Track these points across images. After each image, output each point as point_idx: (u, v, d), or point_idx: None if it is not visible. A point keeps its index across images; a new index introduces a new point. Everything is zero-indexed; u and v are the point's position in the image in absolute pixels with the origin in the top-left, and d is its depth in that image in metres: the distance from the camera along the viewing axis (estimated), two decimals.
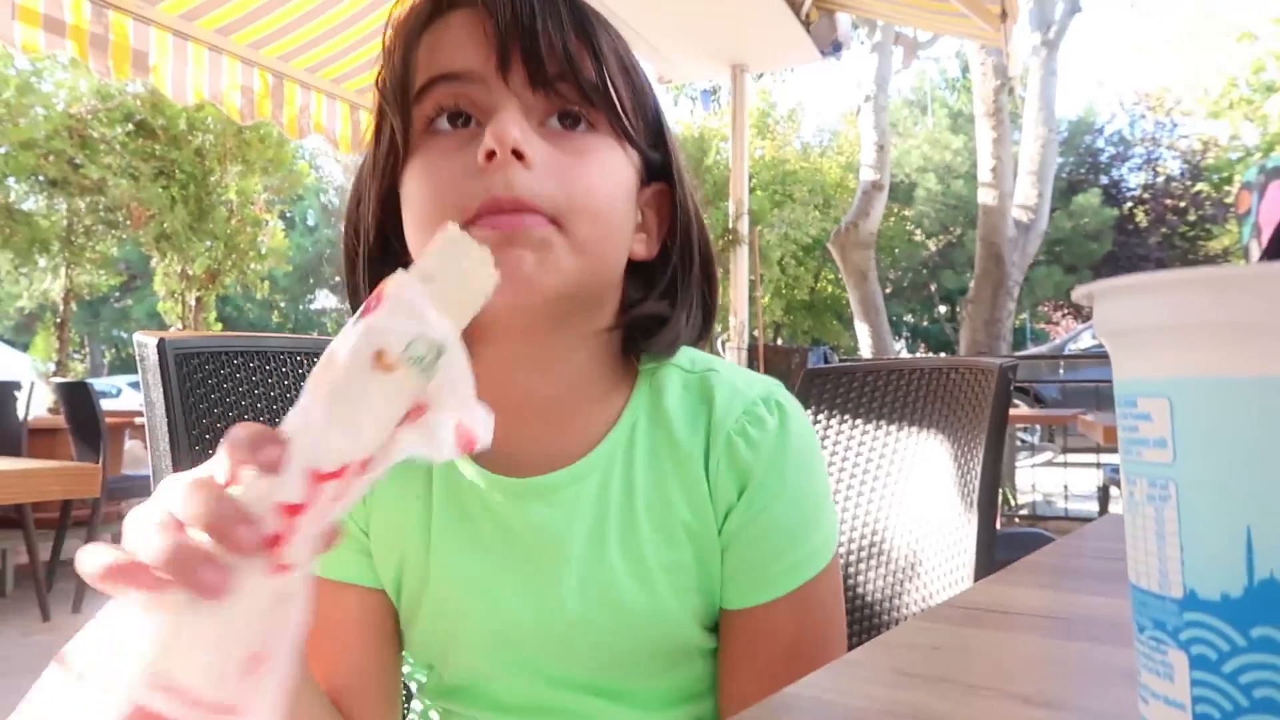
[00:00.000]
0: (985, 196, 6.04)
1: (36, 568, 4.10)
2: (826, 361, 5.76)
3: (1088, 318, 17.38)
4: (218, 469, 0.36)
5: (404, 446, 0.37)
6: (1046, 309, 19.81)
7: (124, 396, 17.48)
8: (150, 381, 0.73)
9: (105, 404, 4.72)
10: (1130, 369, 0.25)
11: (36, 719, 0.38)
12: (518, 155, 0.54)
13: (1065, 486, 5.99)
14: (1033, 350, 10.45)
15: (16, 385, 4.38)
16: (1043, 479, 6.81)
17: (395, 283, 0.38)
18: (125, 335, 23.38)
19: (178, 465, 0.73)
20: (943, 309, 19.77)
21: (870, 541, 1.52)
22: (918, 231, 18.23)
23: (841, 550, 1.53)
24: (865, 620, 1.49)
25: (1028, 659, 0.39)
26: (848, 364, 1.64)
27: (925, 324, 21.34)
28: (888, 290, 18.48)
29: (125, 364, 24.18)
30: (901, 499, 1.47)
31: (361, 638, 0.65)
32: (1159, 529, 0.24)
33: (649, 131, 0.63)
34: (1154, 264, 17.64)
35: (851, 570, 1.52)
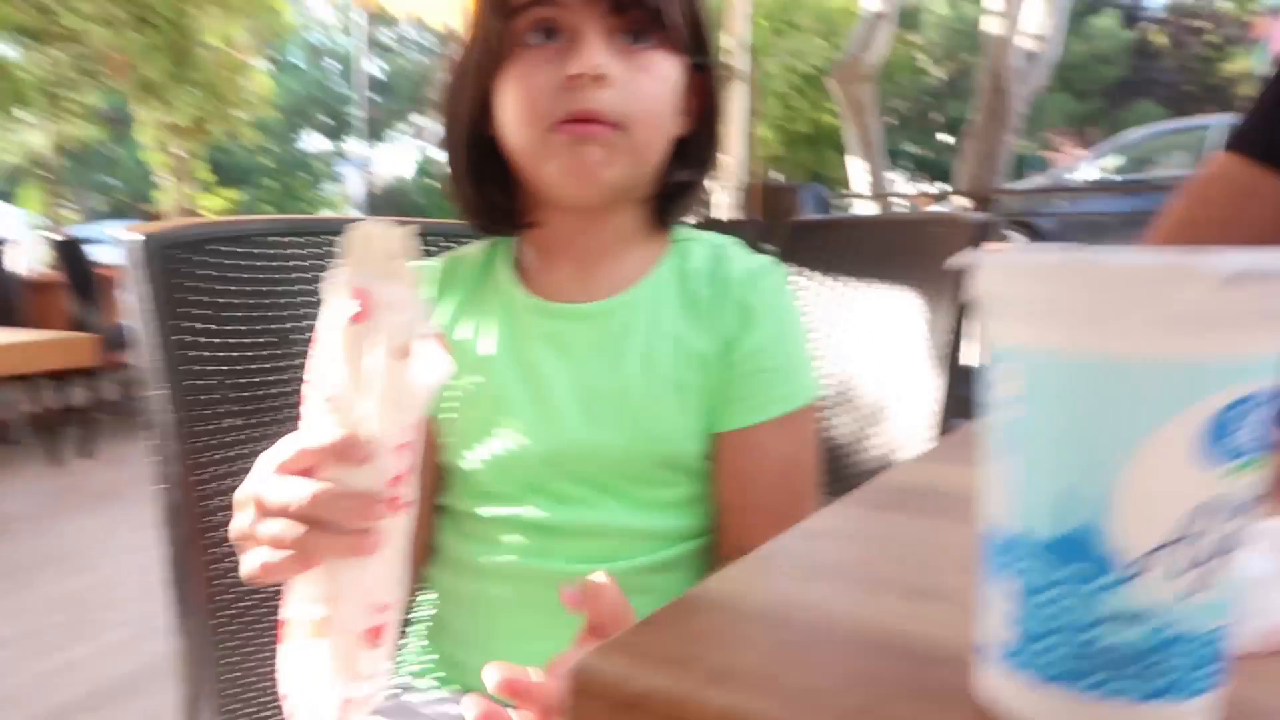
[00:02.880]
0: (991, 24, 5.80)
1: (48, 416, 4.23)
2: (819, 200, 5.70)
3: (1094, 149, 17.01)
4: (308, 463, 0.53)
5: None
6: (1055, 137, 19.36)
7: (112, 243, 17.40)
8: (138, 277, 0.76)
9: (100, 252, 4.72)
10: (996, 331, 0.28)
11: (297, 670, 0.54)
12: (598, 79, 0.69)
13: None
14: (1028, 183, 10.28)
15: (2, 241, 4.37)
16: None
17: (376, 292, 0.50)
18: (116, 182, 23.02)
19: (169, 365, 0.76)
20: (946, 139, 19.34)
21: (839, 389, 1.58)
22: (924, 59, 17.59)
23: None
24: (834, 462, 1.57)
25: (936, 547, 0.43)
26: (832, 217, 1.66)
27: (928, 155, 20.92)
28: (889, 121, 18.01)
29: (115, 212, 23.91)
30: (869, 349, 1.52)
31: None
32: (1006, 479, 0.28)
33: (697, 36, 0.76)
34: (1166, 89, 17.10)
35: (824, 414, 1.59)
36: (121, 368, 5.52)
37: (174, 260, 0.82)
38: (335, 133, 26.06)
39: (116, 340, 4.69)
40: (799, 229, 1.64)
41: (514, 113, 0.72)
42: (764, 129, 12.65)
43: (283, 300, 0.93)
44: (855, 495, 0.51)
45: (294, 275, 0.95)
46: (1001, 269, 0.26)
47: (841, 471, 1.55)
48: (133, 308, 0.77)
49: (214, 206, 14.10)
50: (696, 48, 0.76)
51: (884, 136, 6.59)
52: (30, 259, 5.20)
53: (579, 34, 0.70)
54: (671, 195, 0.79)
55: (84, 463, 4.41)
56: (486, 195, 0.78)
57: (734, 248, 0.82)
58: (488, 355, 0.78)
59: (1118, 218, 6.85)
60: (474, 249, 0.86)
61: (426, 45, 24.60)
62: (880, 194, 6.44)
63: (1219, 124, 9.68)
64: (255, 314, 0.90)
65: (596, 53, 0.69)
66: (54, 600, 2.71)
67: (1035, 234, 8.51)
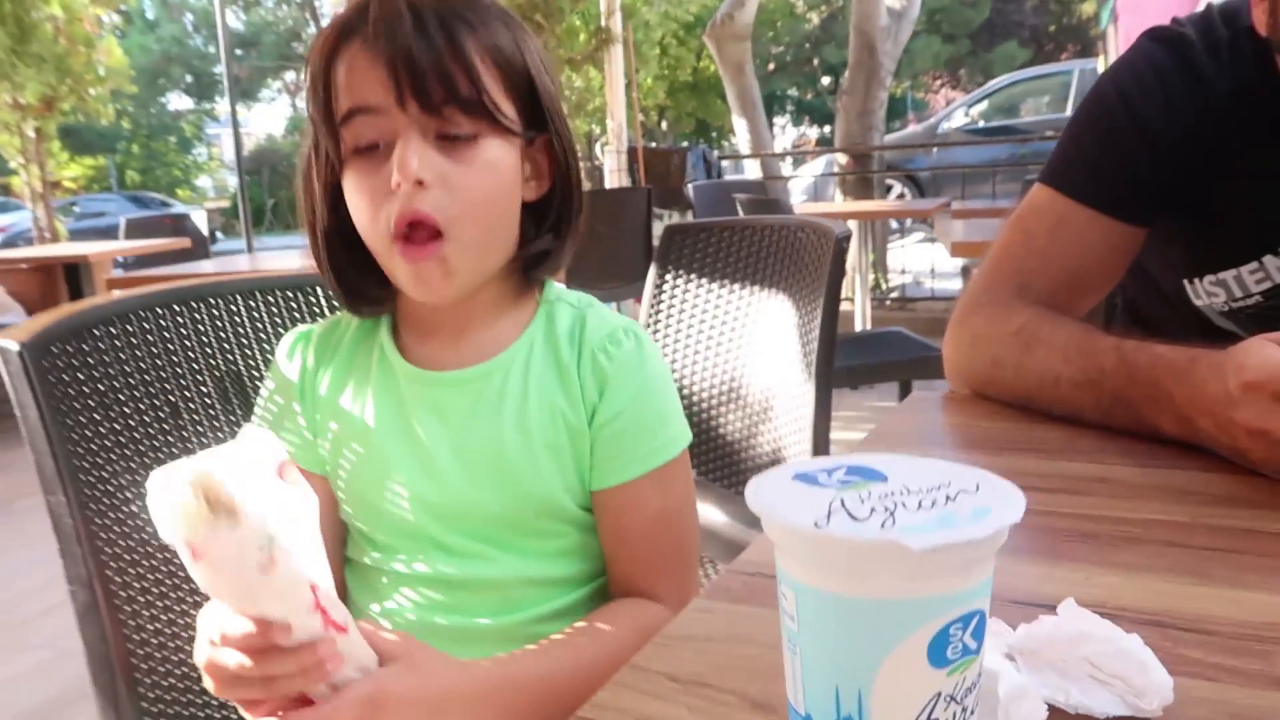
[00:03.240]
0: None
1: None
2: (706, 161, 5.79)
3: (966, 89, 17.55)
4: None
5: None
6: (926, 79, 19.87)
7: None
8: (17, 387, 0.77)
9: None
10: (780, 561, 0.35)
11: None
12: (417, 183, 0.71)
13: (932, 268, 6.35)
14: (902, 136, 10.59)
15: None
16: (913, 259, 7.16)
17: (203, 542, 0.53)
18: None
19: (58, 461, 0.78)
20: (826, 81, 19.63)
21: (729, 387, 1.67)
22: (799, 3, 17.75)
23: (704, 395, 1.68)
24: (727, 458, 1.67)
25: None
26: (704, 221, 1.72)
27: (809, 98, 21.22)
28: (770, 68, 18.16)
29: None
30: (754, 349, 1.61)
31: (325, 514, 0.81)
32: (793, 671, 0.35)
33: (528, 108, 0.78)
34: (1029, 30, 17.73)
35: (714, 413, 1.68)
36: None
37: (52, 356, 0.83)
38: (200, 92, 24.77)
39: None
40: (674, 233, 1.71)
41: (357, 219, 0.76)
42: (647, 79, 12.61)
43: (165, 372, 0.95)
44: (716, 583, 0.59)
45: (174, 344, 0.97)
46: (776, 527, 0.33)
47: (735, 467, 1.64)
48: (18, 416, 0.78)
49: (75, 174, 13.31)
50: (533, 120, 0.78)
51: (759, 94, 6.68)
52: None
53: (399, 138, 0.72)
54: (533, 261, 0.82)
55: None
56: (348, 283, 0.82)
57: (594, 310, 0.85)
58: (370, 423, 0.82)
59: (986, 166, 7.16)
60: (349, 317, 0.88)
61: None
62: (762, 153, 6.57)
63: (1081, 68, 10.17)
64: (139, 391, 0.92)
65: (412, 158, 0.71)
66: None
67: (913, 184, 8.83)
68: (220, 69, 7.13)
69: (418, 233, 0.73)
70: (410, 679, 0.66)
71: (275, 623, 0.57)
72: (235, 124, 7.08)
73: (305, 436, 0.85)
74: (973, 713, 0.35)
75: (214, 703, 0.92)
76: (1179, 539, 0.61)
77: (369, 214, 0.74)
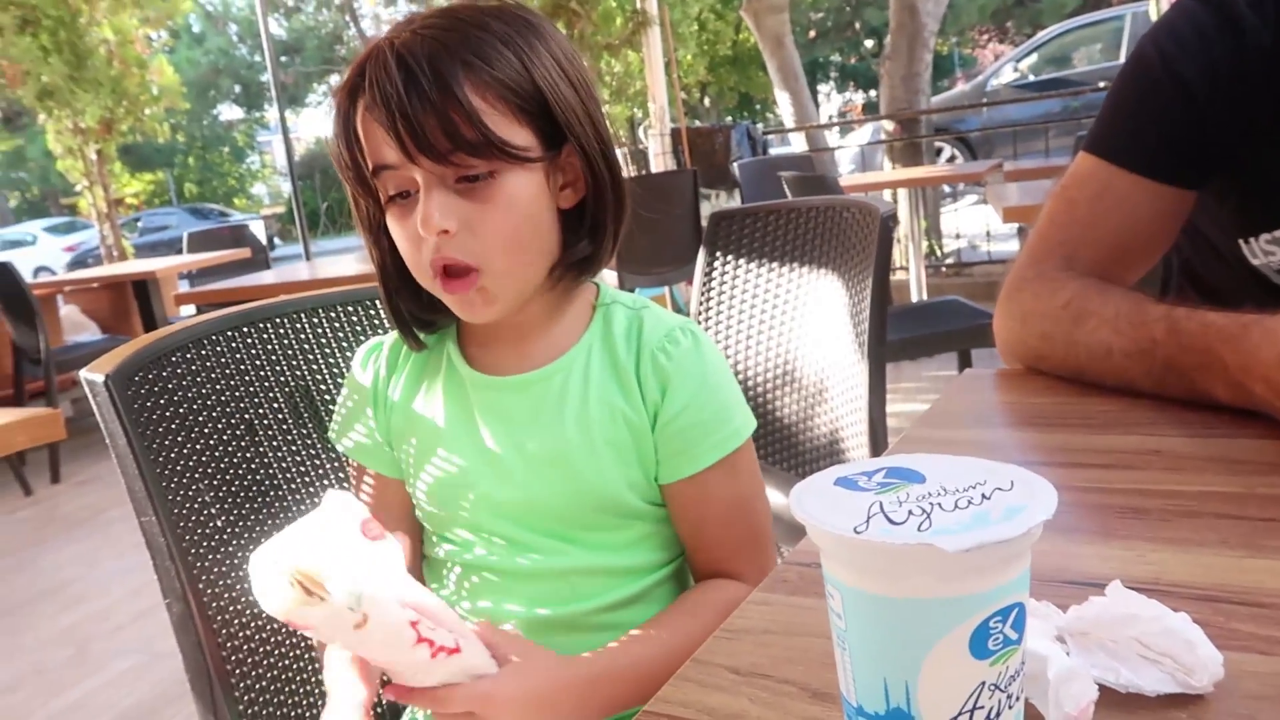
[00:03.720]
0: None
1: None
2: (750, 138, 5.76)
3: (1014, 42, 17.08)
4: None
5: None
6: (973, 34, 19.40)
7: (41, 245, 16.87)
8: (106, 416, 0.82)
9: (24, 255, 4.61)
10: (825, 563, 0.37)
11: None
12: (441, 233, 0.75)
13: (988, 230, 6.23)
14: (949, 97, 10.37)
15: None
16: (968, 222, 7.04)
17: (303, 618, 0.60)
18: (24, 175, 22.16)
19: (147, 483, 0.83)
20: (869, 44, 19.28)
21: (783, 370, 1.68)
22: None
23: (759, 379, 1.69)
24: (784, 440, 1.68)
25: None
26: (749, 206, 1.73)
27: (853, 63, 20.87)
28: (811, 35, 17.88)
29: (32, 207, 23.07)
30: (806, 331, 1.62)
31: (402, 513, 0.92)
32: (843, 665, 0.37)
33: (546, 125, 0.77)
34: None
35: (770, 397, 1.69)
36: (73, 385, 5.48)
37: (134, 384, 0.88)
38: (249, 101, 25.27)
39: (64, 360, 4.65)
40: (721, 218, 1.72)
41: (404, 257, 0.80)
42: (687, 57, 12.52)
43: (239, 391, 1.00)
44: (774, 576, 0.61)
45: (245, 364, 1.02)
46: (819, 534, 0.35)
47: (793, 449, 1.66)
48: (109, 443, 0.83)
49: (136, 190, 13.71)
50: (554, 134, 0.78)
51: (800, 65, 6.60)
52: None
53: (420, 191, 0.75)
54: (575, 267, 0.83)
55: (53, 489, 4.41)
56: (402, 315, 0.86)
57: (650, 311, 0.87)
58: (440, 425, 0.87)
59: (1038, 122, 6.98)
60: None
61: (326, 1, 23.78)
62: (806, 125, 6.50)
63: (1134, 12, 9.83)
64: (216, 411, 0.97)
65: (433, 212, 0.74)
66: (55, 637, 2.77)
67: (964, 145, 8.66)
68: (267, 77, 7.26)
69: (453, 270, 0.77)
70: (519, 677, 0.72)
71: (402, 682, 0.68)
72: (285, 130, 7.22)
73: (377, 439, 0.90)
74: (1018, 698, 0.37)
75: (304, 702, 0.97)
76: (1233, 510, 0.61)
77: (411, 255, 0.79)
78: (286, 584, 0.58)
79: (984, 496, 0.36)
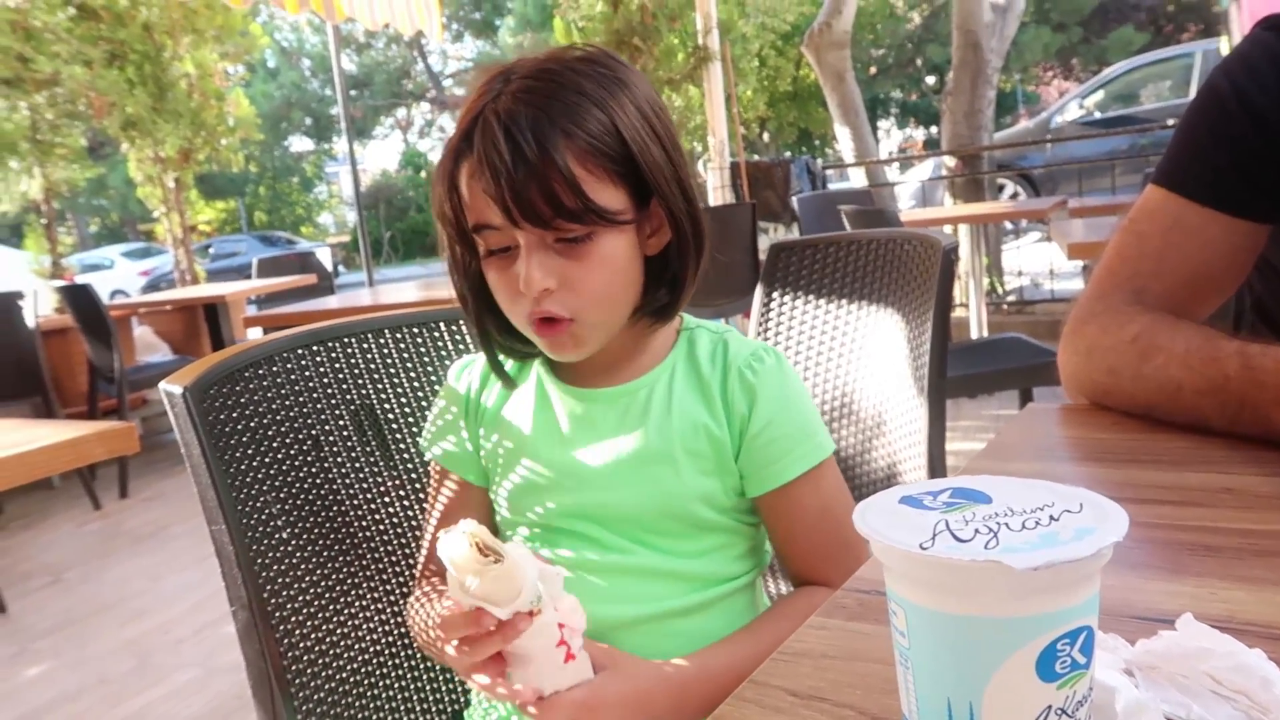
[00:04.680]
0: None
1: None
2: (810, 172, 5.75)
3: (1079, 79, 16.87)
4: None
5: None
6: (1036, 71, 19.20)
7: (118, 269, 17.48)
8: (182, 426, 0.85)
9: (102, 278, 4.79)
10: (889, 581, 0.37)
11: None
12: (542, 292, 0.80)
13: (1051, 268, 6.13)
14: (1013, 134, 10.25)
15: (20, 295, 4.46)
16: (1030, 260, 6.93)
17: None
18: (104, 203, 23.04)
19: (219, 493, 0.85)
20: (930, 81, 19.21)
21: (841, 404, 1.67)
22: (899, 4, 17.44)
23: (818, 410, 1.68)
24: (842, 473, 1.66)
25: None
26: (809, 238, 1.73)
27: (914, 99, 20.78)
28: (872, 71, 17.87)
29: (111, 233, 23.95)
30: (866, 365, 1.61)
31: (482, 518, 0.96)
32: (905, 685, 0.37)
33: (636, 183, 0.82)
34: (1145, 12, 16.93)
35: (828, 428, 1.68)
36: (143, 404, 5.65)
37: (210, 397, 0.91)
38: (319, 133, 26.02)
39: (137, 379, 4.81)
40: (781, 250, 1.72)
41: (502, 309, 0.86)
42: (747, 92, 12.59)
43: (306, 407, 1.03)
44: (832, 602, 0.60)
45: (314, 381, 1.04)
46: (883, 550, 0.35)
47: (849, 484, 1.64)
48: (184, 453, 0.86)
49: (209, 217, 14.18)
50: (642, 196, 0.83)
51: (861, 101, 6.60)
52: (40, 307, 5.30)
53: (521, 249, 0.80)
54: (655, 314, 0.88)
55: (121, 503, 4.54)
56: (491, 346, 0.92)
57: (733, 334, 0.93)
58: (528, 434, 0.92)
59: (1104, 159, 6.87)
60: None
61: (398, 38, 24.42)
62: (866, 160, 6.48)
63: (1204, 49, 9.67)
64: (285, 426, 1.00)
65: (533, 271, 0.79)
66: (118, 648, 2.83)
67: (1027, 182, 8.55)
68: (336, 110, 7.46)
69: (548, 318, 0.82)
70: (617, 683, 0.78)
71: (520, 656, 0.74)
72: (354, 162, 7.41)
73: (467, 448, 0.96)
74: None
75: (365, 707, 0.98)
76: None
77: (508, 305, 0.85)
78: (470, 545, 0.68)
79: (1052, 518, 0.36)
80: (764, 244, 4.23)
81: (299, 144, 26.75)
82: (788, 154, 15.57)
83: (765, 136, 17.30)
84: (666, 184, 0.83)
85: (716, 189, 5.61)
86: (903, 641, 0.37)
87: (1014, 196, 8.54)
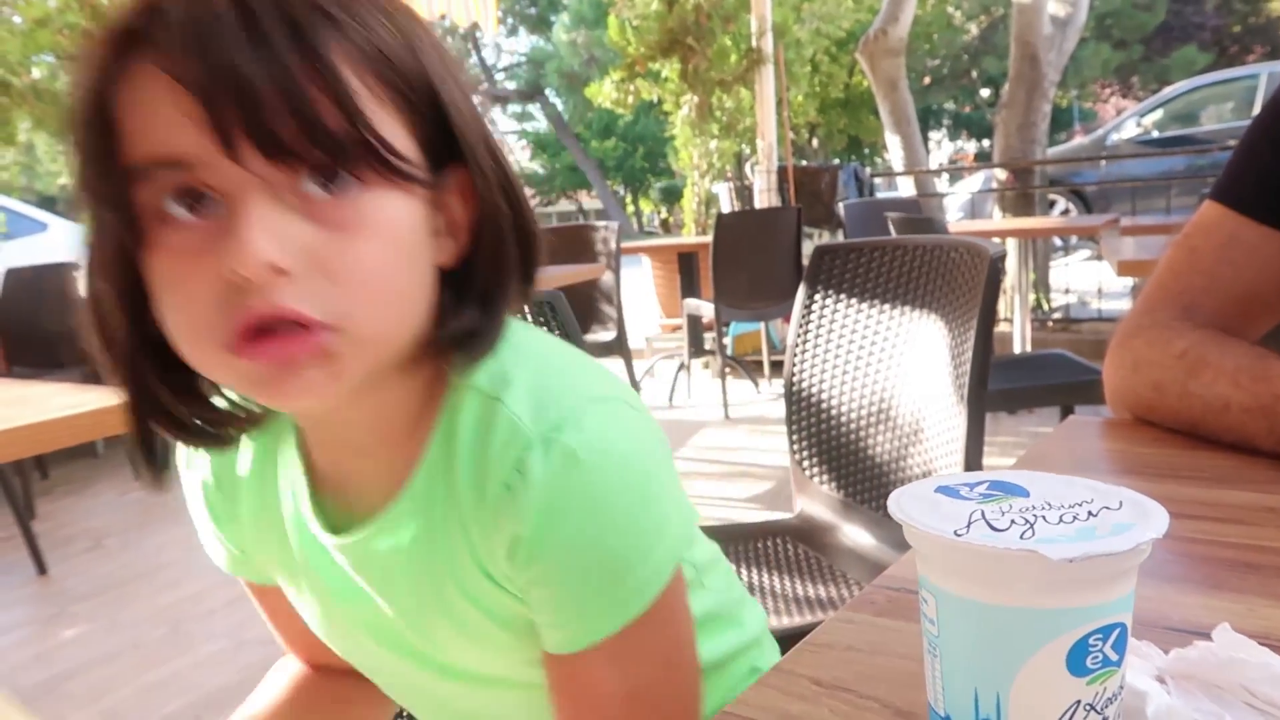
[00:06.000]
0: None
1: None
2: (858, 179, 5.72)
3: (1138, 97, 16.59)
4: None
5: None
6: (1094, 88, 18.91)
7: None
8: None
9: None
10: (921, 567, 0.37)
11: None
12: (276, 273, 0.47)
13: (1099, 287, 6.03)
14: (1067, 149, 10.11)
15: (75, 266, 4.56)
16: (1078, 278, 6.82)
17: None
18: None
19: None
20: (985, 93, 18.99)
21: (878, 408, 1.66)
22: (957, 14, 17.27)
23: (853, 415, 1.67)
24: (875, 479, 1.66)
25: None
26: (854, 241, 1.72)
27: (967, 111, 20.57)
28: (925, 81, 17.72)
29: None
30: (905, 371, 1.60)
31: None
32: (932, 673, 0.37)
33: (432, 136, 0.53)
34: (1210, 32, 16.60)
35: (863, 434, 1.67)
36: None
37: None
38: None
39: None
40: (824, 253, 1.71)
41: (171, 326, 0.50)
42: (798, 97, 12.55)
43: None
44: (861, 597, 0.60)
45: None
46: (917, 535, 0.35)
47: (883, 489, 1.63)
48: None
49: None
50: (441, 153, 0.53)
51: (914, 110, 6.54)
52: None
53: (234, 202, 0.47)
54: (454, 344, 0.55)
55: (163, 473, 4.63)
56: (174, 425, 0.58)
57: (513, 393, 0.55)
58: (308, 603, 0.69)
59: (1160, 179, 6.75)
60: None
61: (452, 29, 24.64)
62: (917, 170, 6.42)
63: (1270, 71, 9.46)
64: None
65: (258, 237, 0.46)
66: (152, 615, 2.89)
67: (1079, 199, 8.42)
68: None
69: (271, 325, 0.48)
70: None
71: None
72: None
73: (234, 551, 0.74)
74: None
75: None
76: None
77: (195, 315, 0.49)
78: None
79: (1090, 514, 0.35)
80: (808, 249, 4.22)
81: None
82: (836, 160, 15.51)
83: (815, 142, 17.23)
84: (477, 141, 0.55)
85: (763, 192, 5.59)
86: (932, 629, 0.37)
87: (1065, 213, 8.41)
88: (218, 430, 0.60)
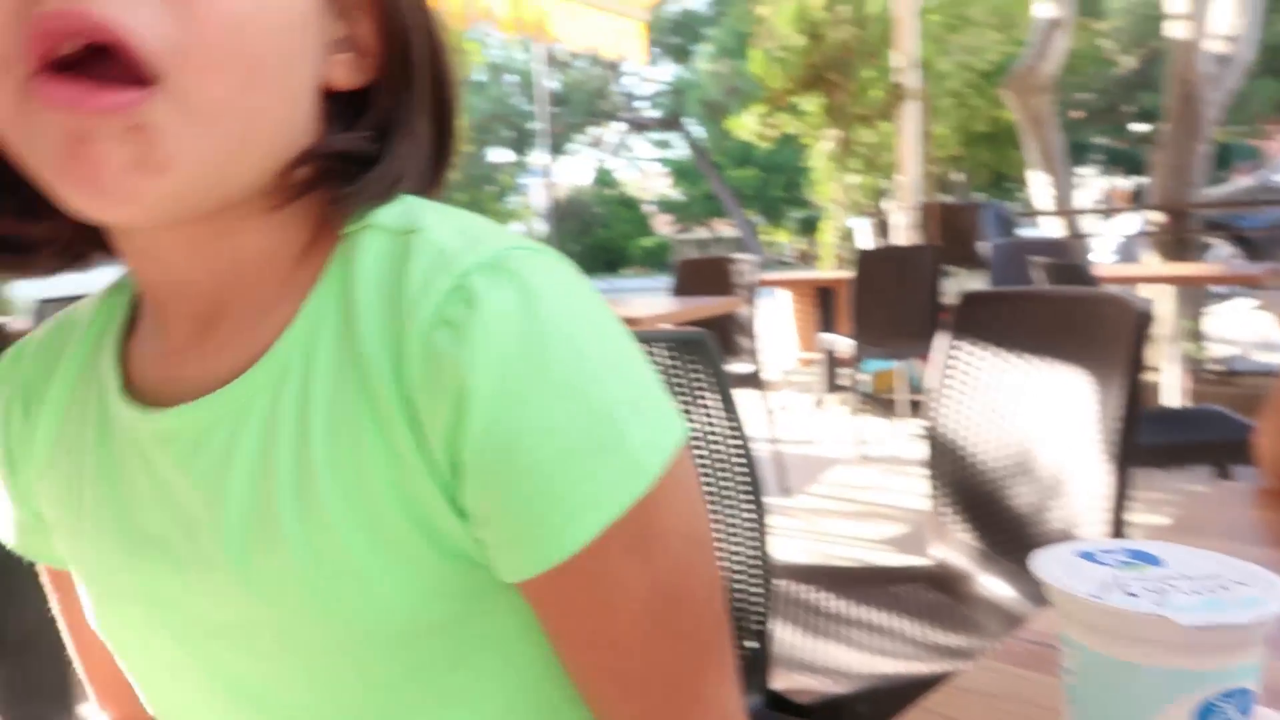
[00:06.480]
0: (1175, 29, 5.49)
1: None
2: (1000, 218, 5.59)
3: None
4: None
5: None
6: (1267, 126, 17.78)
7: None
8: None
9: None
10: (1064, 623, 0.42)
11: None
12: None
13: (1266, 339, 5.69)
14: (1226, 191, 9.58)
15: None
16: (1240, 327, 6.45)
17: None
18: None
19: None
20: (1140, 127, 18.15)
21: (1020, 459, 1.66)
22: (1111, 45, 16.61)
23: (995, 465, 1.68)
24: (1015, 531, 1.65)
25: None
26: (1003, 290, 1.74)
27: (1120, 147, 19.70)
28: (1075, 115, 17.08)
29: None
30: (1049, 422, 1.60)
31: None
32: (1069, 716, 0.42)
33: None
34: None
35: (1004, 485, 1.67)
36: None
37: None
38: (517, 145, 27.28)
39: None
40: (972, 300, 1.73)
41: None
42: (941, 129, 12.33)
43: None
44: (1006, 648, 0.65)
45: None
46: (1058, 594, 0.41)
47: (1023, 541, 1.63)
48: None
49: None
50: None
51: (1064, 147, 6.35)
52: None
53: None
54: (335, 175, 0.44)
55: None
56: None
57: (431, 229, 0.43)
58: (82, 514, 0.49)
59: None
60: (86, 306, 0.53)
61: (599, 59, 25.32)
62: (1065, 210, 6.22)
63: None
64: None
65: None
66: None
67: (1244, 244, 7.95)
68: (533, 124, 7.86)
69: (93, 68, 0.36)
70: None
71: None
72: (548, 176, 7.74)
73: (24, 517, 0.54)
74: None
75: None
76: None
77: None
78: None
79: (1222, 587, 0.40)
80: (946, 287, 4.16)
81: (498, 155, 28.14)
82: (976, 196, 15.12)
83: (956, 176, 16.84)
84: None
85: (903, 228, 5.55)
86: (1071, 679, 0.42)
87: (1229, 258, 7.97)
88: (25, 250, 0.46)
